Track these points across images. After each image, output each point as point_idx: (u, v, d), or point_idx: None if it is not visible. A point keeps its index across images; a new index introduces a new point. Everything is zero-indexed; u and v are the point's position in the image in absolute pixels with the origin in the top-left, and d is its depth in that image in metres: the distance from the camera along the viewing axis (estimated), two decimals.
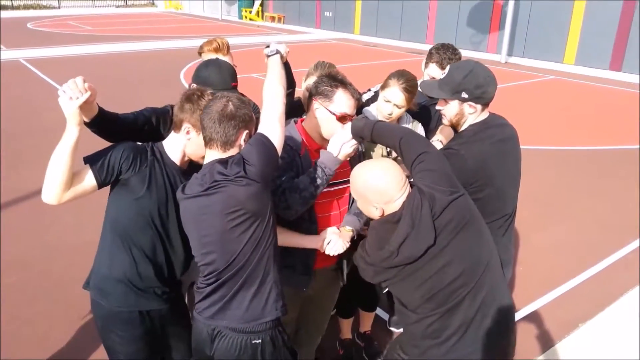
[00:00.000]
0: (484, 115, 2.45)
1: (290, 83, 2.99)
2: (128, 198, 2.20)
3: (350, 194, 2.51)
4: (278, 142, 2.04)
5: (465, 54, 18.13)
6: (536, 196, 6.01)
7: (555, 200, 6.10)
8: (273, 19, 26.93)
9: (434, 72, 3.20)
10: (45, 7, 32.86)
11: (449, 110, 2.43)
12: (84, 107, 2.03)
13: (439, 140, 2.89)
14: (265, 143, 2.00)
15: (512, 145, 2.52)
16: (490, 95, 2.41)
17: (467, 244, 1.96)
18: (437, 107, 2.51)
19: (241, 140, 2.06)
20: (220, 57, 2.94)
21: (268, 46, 2.50)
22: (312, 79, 2.90)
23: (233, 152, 2.05)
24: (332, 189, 2.45)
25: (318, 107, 2.37)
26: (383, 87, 2.81)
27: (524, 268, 4.53)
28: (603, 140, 8.43)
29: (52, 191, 2.06)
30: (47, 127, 7.62)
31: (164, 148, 2.29)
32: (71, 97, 1.96)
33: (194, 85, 2.54)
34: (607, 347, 3.54)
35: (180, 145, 2.26)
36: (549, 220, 5.57)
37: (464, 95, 2.36)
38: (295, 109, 2.98)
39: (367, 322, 3.53)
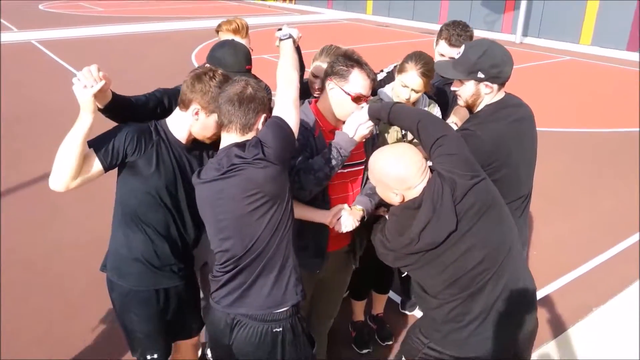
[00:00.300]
0: (500, 95, 2.41)
1: (301, 67, 2.96)
2: (137, 180, 2.21)
3: (363, 176, 2.50)
4: (294, 125, 2.02)
5: (480, 34, 17.86)
6: (551, 178, 5.94)
7: (570, 182, 6.04)
8: None
9: (443, 49, 3.16)
10: None
11: (465, 91, 2.39)
12: (98, 95, 2.03)
13: (453, 122, 2.85)
14: (281, 125, 1.98)
15: (528, 125, 2.49)
16: (506, 75, 2.36)
17: (489, 229, 1.94)
18: (453, 88, 2.46)
19: (259, 123, 2.04)
20: (238, 39, 2.89)
21: (280, 29, 2.47)
22: (318, 64, 2.87)
23: (250, 135, 2.03)
24: (345, 171, 2.44)
25: (333, 87, 2.34)
26: (400, 70, 2.76)
27: (538, 252, 4.50)
28: (620, 122, 8.29)
29: (61, 179, 2.04)
30: (58, 110, 7.66)
31: (168, 126, 2.27)
32: (85, 86, 1.96)
33: (208, 65, 2.52)
34: (620, 332, 3.52)
35: (186, 123, 2.24)
36: (564, 202, 5.52)
37: (480, 75, 2.31)
38: (305, 91, 2.96)
39: (379, 304, 3.54)
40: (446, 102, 3.17)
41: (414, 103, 2.87)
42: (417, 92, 2.73)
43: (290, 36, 2.41)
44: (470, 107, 2.45)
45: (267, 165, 1.90)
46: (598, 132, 7.90)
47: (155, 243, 2.29)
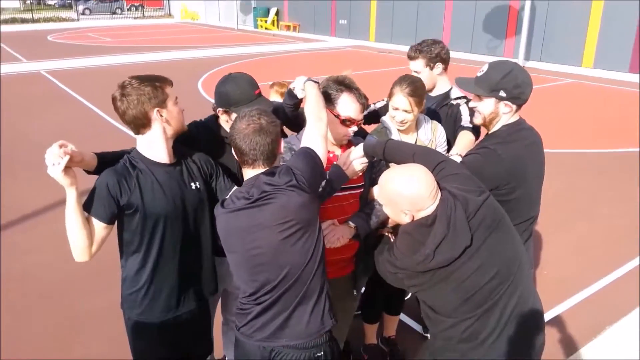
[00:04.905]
0: (516, 117, 2.46)
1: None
2: (135, 215, 2.19)
3: (360, 198, 2.52)
4: (323, 157, 2.07)
5: (482, 59, 17.88)
6: (558, 199, 5.96)
7: (577, 202, 6.04)
8: (288, 27, 27.10)
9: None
10: (64, 20, 33.48)
11: (484, 107, 2.43)
12: (76, 165, 2.09)
13: (457, 154, 2.85)
14: (312, 155, 2.03)
15: (540, 149, 2.54)
16: (526, 97, 2.41)
17: (501, 243, 1.96)
18: (472, 104, 2.51)
19: (281, 149, 2.08)
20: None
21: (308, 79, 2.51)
22: None
23: (275, 164, 2.06)
24: (341, 194, 2.45)
25: None
26: (389, 96, 2.84)
27: (548, 272, 4.49)
28: (624, 142, 8.32)
29: (81, 251, 2.11)
30: (66, 138, 7.75)
31: (145, 155, 2.22)
32: (53, 164, 1.98)
33: (220, 110, 2.55)
34: (634, 350, 3.48)
35: (160, 140, 2.20)
36: (572, 222, 5.51)
37: (502, 94, 2.36)
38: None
39: (391, 326, 3.53)
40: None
41: (416, 124, 2.92)
42: (408, 112, 2.77)
43: (316, 81, 2.46)
44: (486, 126, 2.49)
45: (300, 193, 1.92)
46: (602, 152, 7.93)
47: (163, 271, 2.29)
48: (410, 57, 3.28)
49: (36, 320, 3.81)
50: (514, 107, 2.40)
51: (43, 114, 9.81)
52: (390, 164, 2.54)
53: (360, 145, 2.33)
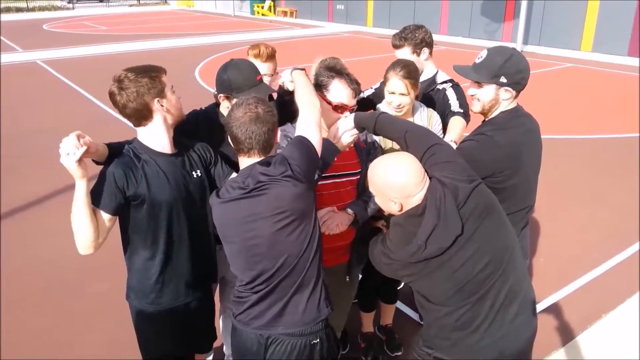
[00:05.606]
0: (514, 104, 2.43)
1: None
2: (142, 207, 2.20)
3: (357, 186, 2.52)
4: (317, 146, 2.05)
5: (480, 43, 17.70)
6: (556, 186, 5.96)
7: (575, 189, 6.03)
8: (285, 13, 26.90)
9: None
10: (59, 8, 33.20)
11: (485, 94, 2.39)
12: (91, 156, 2.08)
13: (452, 141, 2.82)
14: (307, 144, 2.02)
15: (538, 137, 2.52)
16: (525, 83, 2.39)
17: (492, 231, 1.95)
18: (471, 92, 2.45)
19: (277, 138, 2.07)
20: (258, 62, 2.84)
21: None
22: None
23: (271, 153, 2.05)
24: (339, 180, 2.45)
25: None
26: (384, 82, 2.82)
27: (545, 259, 4.50)
28: (622, 127, 8.30)
29: (86, 244, 2.10)
30: (64, 129, 7.73)
31: (147, 145, 2.22)
32: (68, 153, 1.97)
33: (221, 96, 2.54)
34: (630, 338, 3.50)
35: (162, 129, 2.21)
36: (569, 210, 5.51)
37: (503, 79, 2.33)
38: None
39: (387, 315, 3.54)
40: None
41: (412, 110, 2.90)
42: (405, 95, 2.75)
43: (302, 68, 2.44)
44: (484, 114, 2.46)
45: (295, 184, 1.92)
46: (601, 138, 7.91)
47: (172, 260, 2.31)
48: (396, 46, 3.26)
49: (36, 319, 3.81)
50: (514, 93, 2.38)
51: (41, 104, 9.76)
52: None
53: (351, 117, 2.31)
